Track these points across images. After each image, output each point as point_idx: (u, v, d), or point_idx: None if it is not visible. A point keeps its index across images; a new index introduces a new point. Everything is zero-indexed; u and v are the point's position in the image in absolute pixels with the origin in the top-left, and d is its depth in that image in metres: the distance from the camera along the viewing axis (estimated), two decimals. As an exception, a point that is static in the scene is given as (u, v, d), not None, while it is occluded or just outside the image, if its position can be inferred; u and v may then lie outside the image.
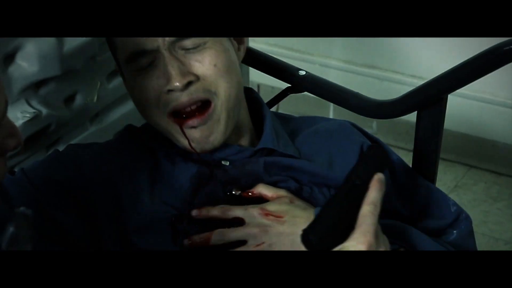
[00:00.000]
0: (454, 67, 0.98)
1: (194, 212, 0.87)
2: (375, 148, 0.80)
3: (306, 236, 0.74)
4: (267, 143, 0.93)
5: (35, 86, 1.01)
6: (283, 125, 0.99)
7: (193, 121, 0.87)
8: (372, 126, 2.08)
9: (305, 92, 1.11)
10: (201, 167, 0.90)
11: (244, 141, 0.95)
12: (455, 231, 0.97)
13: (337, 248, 0.74)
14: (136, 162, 0.92)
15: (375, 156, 0.79)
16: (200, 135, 0.88)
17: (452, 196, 2.01)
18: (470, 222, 0.99)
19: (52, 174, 0.90)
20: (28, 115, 0.99)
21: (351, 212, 0.75)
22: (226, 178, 0.90)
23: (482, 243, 1.86)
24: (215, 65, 0.87)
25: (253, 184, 0.90)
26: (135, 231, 0.88)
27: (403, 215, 0.96)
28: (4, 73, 0.96)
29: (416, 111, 1.04)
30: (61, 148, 0.97)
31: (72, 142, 1.11)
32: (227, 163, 0.91)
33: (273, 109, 1.13)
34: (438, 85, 1.00)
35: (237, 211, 0.87)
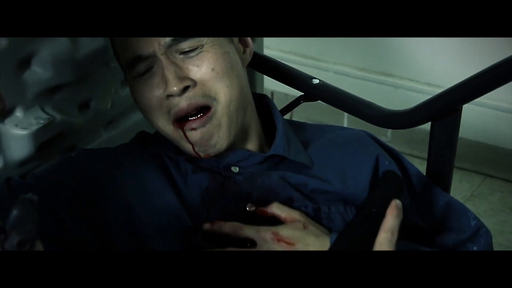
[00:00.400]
0: (468, 78, 0.97)
1: (207, 226, 0.87)
2: (390, 173, 0.80)
3: None
4: (278, 150, 0.92)
5: (49, 92, 1.01)
6: (296, 132, 0.98)
7: (192, 123, 0.87)
8: (386, 134, 2.07)
9: (319, 101, 1.11)
10: (212, 180, 0.90)
11: (252, 145, 0.93)
12: (475, 247, 0.95)
13: None
14: (146, 169, 0.92)
15: (390, 182, 0.78)
16: (200, 137, 0.88)
17: (468, 205, 1.98)
18: (490, 237, 0.98)
19: (62, 178, 0.90)
20: (42, 121, 0.99)
21: (367, 240, 0.75)
22: (238, 192, 0.89)
23: (498, 254, 1.84)
24: (213, 69, 0.86)
25: (266, 199, 0.89)
26: (148, 238, 0.87)
27: (421, 227, 0.95)
28: (18, 79, 0.96)
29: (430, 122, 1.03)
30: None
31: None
32: (237, 169, 0.90)
33: (287, 116, 1.12)
34: (452, 96, 0.99)
35: (249, 232, 0.85)
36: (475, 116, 2.03)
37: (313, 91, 1.10)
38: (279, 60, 1.14)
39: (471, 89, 0.98)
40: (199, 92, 0.86)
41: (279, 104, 1.14)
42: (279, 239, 0.84)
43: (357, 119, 1.10)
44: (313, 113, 2.05)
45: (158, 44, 0.85)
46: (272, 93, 2.10)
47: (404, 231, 0.92)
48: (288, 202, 0.90)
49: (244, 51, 0.93)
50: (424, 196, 0.97)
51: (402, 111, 1.05)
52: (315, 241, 0.84)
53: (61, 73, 1.00)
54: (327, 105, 1.10)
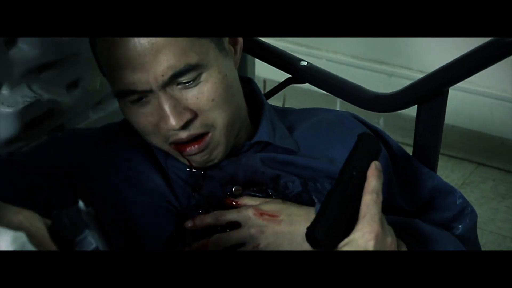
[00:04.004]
0: (454, 60, 0.97)
1: (189, 223, 0.86)
2: (365, 135, 0.79)
3: (311, 233, 0.72)
4: (262, 136, 0.91)
5: (36, 71, 1.02)
6: (282, 118, 0.97)
7: (191, 149, 0.85)
8: (379, 122, 2.07)
9: (312, 87, 1.10)
10: (191, 170, 0.89)
11: (241, 138, 0.93)
12: (460, 226, 0.95)
13: (344, 242, 0.73)
14: (133, 150, 0.92)
15: (367, 144, 0.78)
16: (200, 159, 0.87)
17: (460, 193, 2.00)
18: (476, 216, 0.98)
19: (52, 159, 0.90)
20: (28, 99, 0.99)
21: (352, 203, 0.74)
22: (223, 176, 0.89)
23: (490, 241, 1.85)
24: (212, 100, 0.84)
25: (252, 179, 0.89)
26: (137, 218, 0.88)
27: (406, 211, 0.95)
28: (5, 56, 0.96)
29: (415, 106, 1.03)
30: (60, 134, 0.98)
31: (75, 128, 1.12)
32: (223, 161, 0.90)
33: (280, 104, 1.12)
34: (438, 78, 0.99)
35: (230, 215, 0.85)
36: (468, 104, 2.03)
37: (300, 73, 1.10)
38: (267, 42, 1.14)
39: (457, 71, 0.97)
40: (198, 123, 0.84)
41: (270, 91, 1.14)
42: (262, 213, 0.84)
43: (350, 106, 1.10)
44: (305, 100, 2.05)
45: (155, 81, 0.81)
46: (264, 81, 2.11)
47: (389, 212, 0.93)
48: (274, 180, 0.90)
49: (235, 51, 0.91)
50: (410, 177, 0.97)
51: (389, 94, 1.05)
52: (297, 210, 0.85)
53: (48, 51, 1.00)
54: (320, 92, 1.10)
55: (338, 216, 0.73)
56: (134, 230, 0.88)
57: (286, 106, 2.10)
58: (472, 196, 2.00)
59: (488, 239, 1.85)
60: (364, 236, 0.72)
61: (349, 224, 0.74)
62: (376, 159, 0.77)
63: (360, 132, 0.94)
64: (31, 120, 1.03)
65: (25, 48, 0.98)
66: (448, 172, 2.07)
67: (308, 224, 0.73)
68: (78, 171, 0.90)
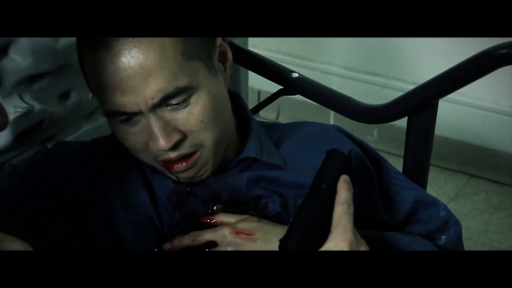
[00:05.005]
0: (444, 72, 0.98)
1: (166, 246, 0.87)
2: (334, 151, 0.81)
3: (284, 245, 0.74)
4: (250, 153, 0.92)
5: (28, 81, 1.02)
6: (268, 133, 0.97)
7: (178, 167, 0.86)
8: (373, 134, 2.08)
9: (306, 99, 1.10)
10: (178, 185, 0.90)
11: (229, 153, 0.93)
12: (443, 236, 0.96)
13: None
14: (122, 163, 0.92)
15: (335, 159, 0.80)
16: (187, 176, 0.88)
17: (453, 205, 2.00)
18: (460, 228, 0.98)
19: (41, 171, 0.90)
20: (20, 110, 0.99)
21: (324, 215, 0.76)
22: (207, 194, 0.89)
23: (482, 253, 1.85)
24: (202, 121, 0.84)
25: (235, 199, 0.90)
26: (123, 236, 0.88)
27: (390, 224, 0.96)
28: (-4, 67, 0.97)
29: (406, 117, 1.04)
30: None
31: (66, 139, 1.12)
32: (210, 178, 0.90)
33: (274, 115, 1.12)
34: (428, 90, 1.00)
35: (207, 235, 0.86)
36: (460, 116, 2.04)
37: (292, 84, 1.11)
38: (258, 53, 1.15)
39: (447, 83, 0.98)
40: (187, 143, 0.84)
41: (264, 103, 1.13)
42: (238, 231, 0.85)
43: (344, 118, 1.11)
44: (299, 111, 2.06)
45: (145, 104, 0.81)
46: (259, 92, 2.11)
47: (372, 225, 0.93)
48: (256, 200, 0.90)
49: (225, 68, 0.90)
50: (393, 189, 0.97)
51: (379, 106, 1.05)
52: (272, 228, 0.85)
53: (41, 61, 1.00)
54: (314, 103, 1.11)
55: (310, 227, 0.75)
56: (119, 243, 0.88)
57: (280, 117, 2.11)
58: (465, 207, 2.01)
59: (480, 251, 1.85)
60: (337, 245, 0.73)
61: (322, 235, 0.75)
62: (346, 173, 0.79)
63: (344, 145, 0.95)
64: (23, 130, 1.03)
65: (17, 59, 0.98)
66: (441, 183, 2.07)
67: None
68: (67, 186, 0.90)
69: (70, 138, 1.13)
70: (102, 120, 1.18)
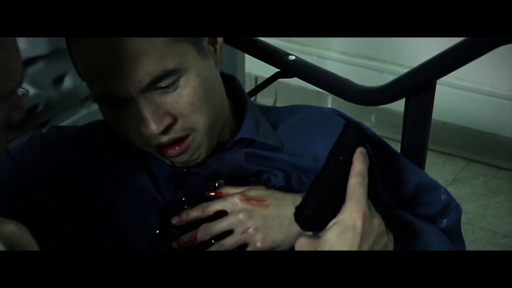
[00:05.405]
0: (441, 52, 0.97)
1: (175, 220, 0.86)
2: (352, 124, 0.81)
3: (299, 212, 0.74)
4: (246, 133, 0.91)
5: (23, 65, 1.01)
6: (265, 115, 0.96)
7: (172, 151, 0.85)
8: (370, 119, 2.08)
9: (304, 84, 1.09)
10: (174, 168, 0.89)
11: (225, 135, 0.92)
12: (444, 220, 0.96)
13: (332, 222, 0.74)
14: (119, 147, 0.91)
15: (353, 132, 0.80)
16: (182, 160, 0.87)
17: (451, 189, 2.00)
18: (460, 211, 0.98)
19: (37, 159, 0.90)
20: (14, 94, 0.99)
21: (339, 186, 0.76)
22: (208, 173, 0.89)
23: (480, 236, 1.85)
24: (192, 104, 0.83)
25: (236, 175, 0.89)
26: (125, 219, 0.87)
27: (391, 206, 0.95)
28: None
29: (404, 100, 1.03)
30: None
31: (62, 124, 1.11)
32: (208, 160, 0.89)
33: (271, 100, 1.12)
34: (425, 71, 0.99)
35: (216, 205, 0.85)
36: (459, 100, 2.03)
37: (288, 67, 1.10)
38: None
39: (444, 63, 0.97)
40: (178, 127, 0.83)
41: (263, 90, 1.13)
42: (248, 198, 0.84)
43: (341, 103, 1.10)
44: (296, 97, 2.05)
45: (133, 88, 0.80)
46: (256, 78, 2.10)
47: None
48: (258, 175, 0.89)
49: (215, 50, 0.89)
50: (395, 173, 0.97)
51: (376, 87, 1.04)
52: (283, 195, 0.85)
53: (34, 45, 1.00)
54: (311, 88, 1.10)
55: (326, 197, 0.75)
56: (120, 228, 0.88)
57: (277, 103, 2.10)
58: (463, 192, 2.01)
59: (479, 235, 1.86)
60: (352, 216, 0.73)
61: (337, 206, 0.76)
62: (362, 146, 0.79)
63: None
64: (18, 115, 1.02)
65: (11, 42, 0.97)
66: (440, 168, 2.07)
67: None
68: (62, 171, 0.90)
69: (65, 123, 1.13)
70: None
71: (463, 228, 1.02)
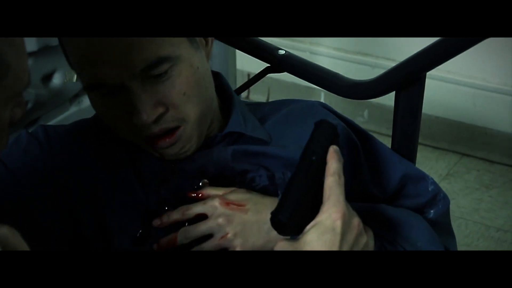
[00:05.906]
0: (430, 44, 0.97)
1: (156, 222, 0.86)
2: (323, 122, 0.79)
3: (275, 217, 0.72)
4: (234, 127, 0.91)
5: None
6: (252, 110, 0.97)
7: (162, 143, 0.85)
8: (363, 114, 2.07)
9: (296, 80, 1.09)
10: (163, 162, 0.89)
11: (213, 130, 0.92)
12: (432, 211, 0.96)
13: (310, 224, 0.73)
14: (107, 144, 0.91)
15: (324, 130, 0.78)
16: (171, 152, 0.87)
17: (444, 184, 2.01)
18: (448, 202, 0.98)
19: (24, 156, 0.89)
20: (2, 92, 0.98)
21: (315, 187, 0.74)
22: (193, 168, 0.88)
23: (474, 231, 1.85)
24: (184, 94, 0.83)
25: (220, 173, 0.89)
26: (110, 215, 0.87)
27: (378, 198, 0.95)
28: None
29: (394, 94, 1.03)
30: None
31: (52, 122, 1.11)
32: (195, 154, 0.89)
33: (264, 97, 1.11)
34: (415, 63, 0.99)
35: (197, 208, 0.85)
36: (451, 94, 2.03)
37: (279, 62, 1.09)
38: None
39: (434, 55, 0.97)
40: (169, 117, 0.83)
41: (254, 86, 1.12)
42: (228, 202, 0.84)
43: (333, 98, 1.10)
44: (289, 93, 2.05)
45: (126, 75, 0.79)
46: (248, 75, 2.10)
47: (360, 199, 0.92)
48: (242, 174, 0.90)
49: (207, 42, 0.89)
50: (381, 164, 0.97)
51: (366, 81, 1.04)
52: (263, 199, 0.85)
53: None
54: (304, 84, 1.10)
55: (301, 199, 0.73)
56: (105, 227, 0.87)
57: (270, 99, 2.10)
58: (456, 186, 2.01)
59: (472, 229, 1.86)
60: (330, 217, 0.72)
61: (314, 207, 0.74)
62: (335, 144, 0.78)
63: (329, 121, 0.94)
64: (6, 112, 1.01)
65: (-2, 39, 0.97)
66: (433, 163, 2.08)
67: None
68: (50, 170, 0.89)
69: (55, 120, 1.12)
70: (88, 102, 1.16)
71: (456, 223, 1.02)
